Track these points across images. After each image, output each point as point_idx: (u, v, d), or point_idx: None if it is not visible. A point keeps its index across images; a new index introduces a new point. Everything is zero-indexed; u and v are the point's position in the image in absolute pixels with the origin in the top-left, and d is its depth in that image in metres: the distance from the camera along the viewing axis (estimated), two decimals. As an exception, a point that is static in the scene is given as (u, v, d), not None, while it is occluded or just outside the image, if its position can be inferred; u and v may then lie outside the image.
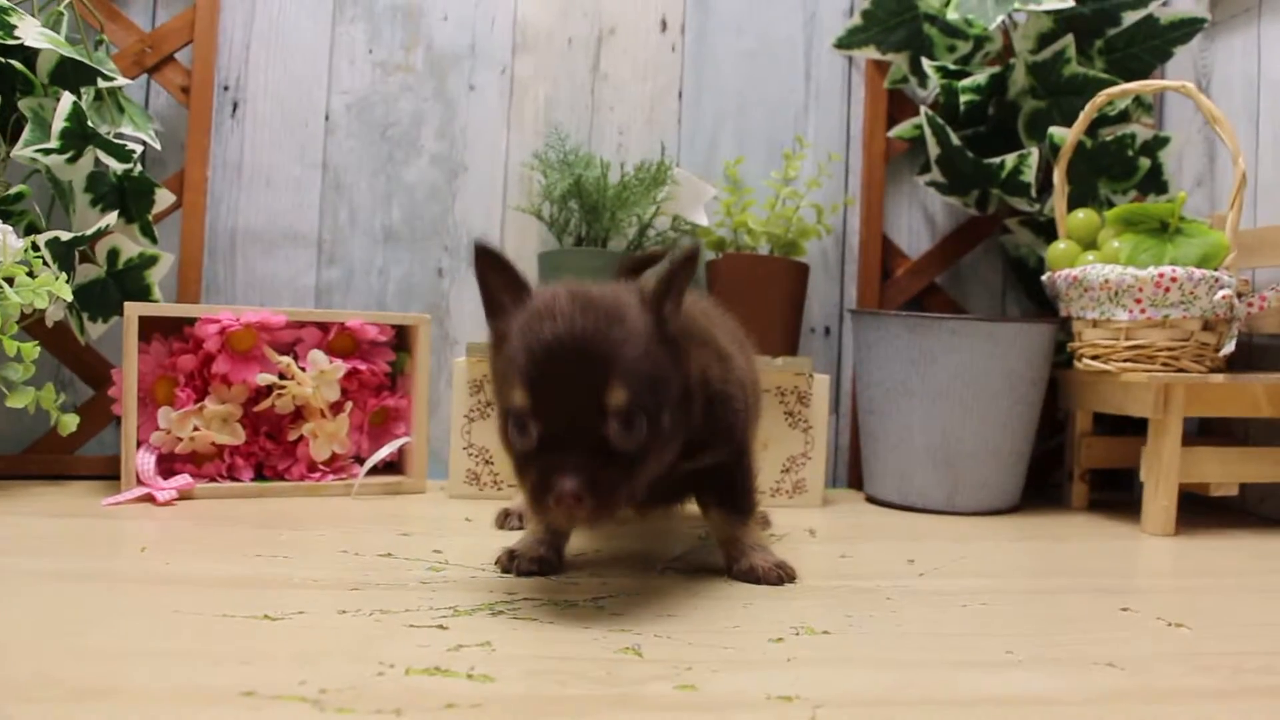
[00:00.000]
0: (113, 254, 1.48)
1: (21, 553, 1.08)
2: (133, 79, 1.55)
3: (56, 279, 1.33)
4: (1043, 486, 1.70)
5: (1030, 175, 1.55)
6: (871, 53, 1.69)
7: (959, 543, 1.32)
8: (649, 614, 0.94)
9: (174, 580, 0.99)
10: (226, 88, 1.63)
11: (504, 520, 1.30)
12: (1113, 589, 1.11)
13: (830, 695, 0.73)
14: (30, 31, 1.37)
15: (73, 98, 1.38)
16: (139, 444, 1.40)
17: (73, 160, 1.42)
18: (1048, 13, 1.54)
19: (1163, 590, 1.13)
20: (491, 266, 0.93)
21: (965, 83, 1.56)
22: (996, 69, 1.59)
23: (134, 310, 1.37)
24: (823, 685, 0.76)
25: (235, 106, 1.63)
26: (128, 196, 1.49)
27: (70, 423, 1.37)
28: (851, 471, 1.72)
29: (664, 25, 1.72)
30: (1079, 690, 0.77)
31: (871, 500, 1.59)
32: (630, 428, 0.87)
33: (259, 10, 1.64)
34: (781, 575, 1.06)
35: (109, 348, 1.54)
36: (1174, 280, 1.38)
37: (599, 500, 0.85)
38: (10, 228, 1.30)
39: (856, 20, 1.69)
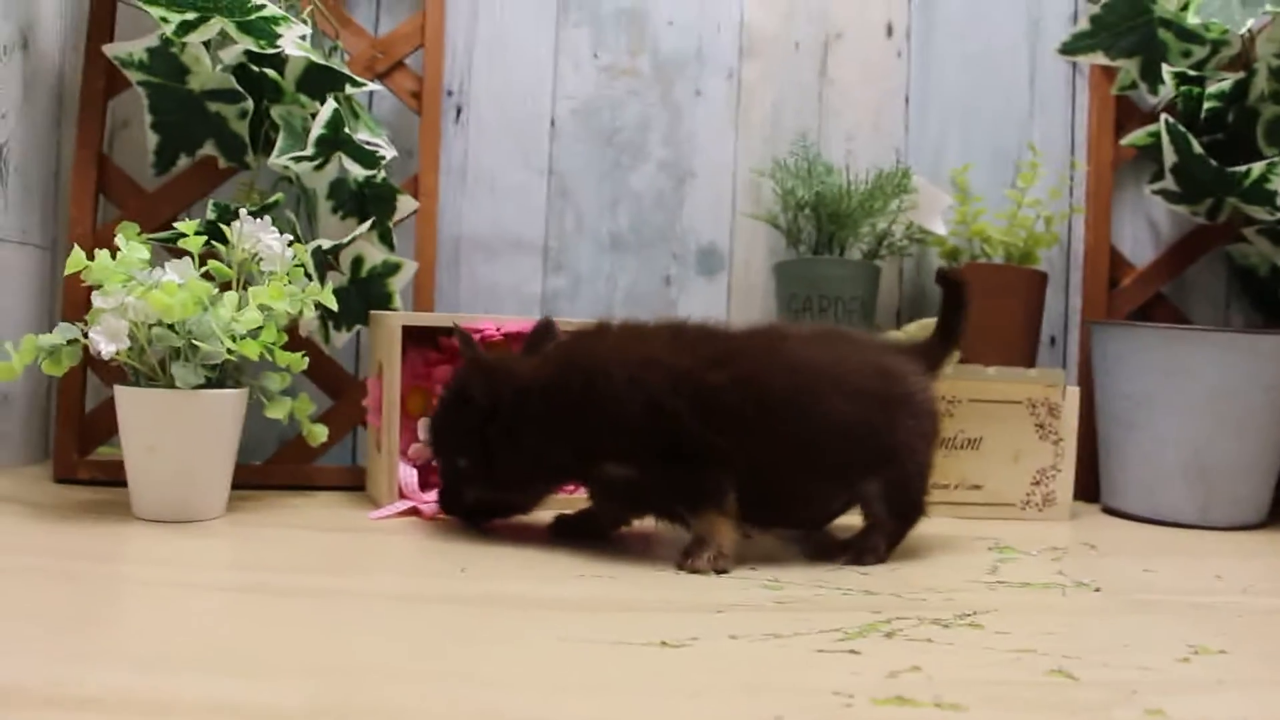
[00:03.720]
0: (357, 262, 1.46)
1: (336, 571, 1.07)
2: (367, 85, 1.53)
3: (322, 289, 1.32)
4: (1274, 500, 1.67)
5: (1278, 183, 1.52)
6: (1099, 58, 1.66)
7: (1248, 559, 1.30)
8: (1030, 631, 0.93)
9: (525, 603, 0.97)
10: (450, 92, 1.61)
11: None
12: None
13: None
14: (290, 40, 1.36)
15: (334, 104, 1.37)
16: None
17: (320, 167, 1.41)
18: (1297, 17, 1.51)
19: None
20: None
21: (1211, 89, 1.54)
22: (1241, 75, 1.56)
23: (399, 319, 1.35)
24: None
25: (459, 111, 1.62)
26: (368, 203, 1.47)
27: (320, 433, 1.35)
28: (1078, 482, 1.69)
29: (889, 30, 1.70)
30: None
31: (1109, 512, 1.57)
32: None
33: (482, 14, 1.62)
34: None
35: (343, 356, 1.53)
36: None
37: None
38: (289, 237, 1.29)
39: (1084, 25, 1.65)
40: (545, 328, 1.26)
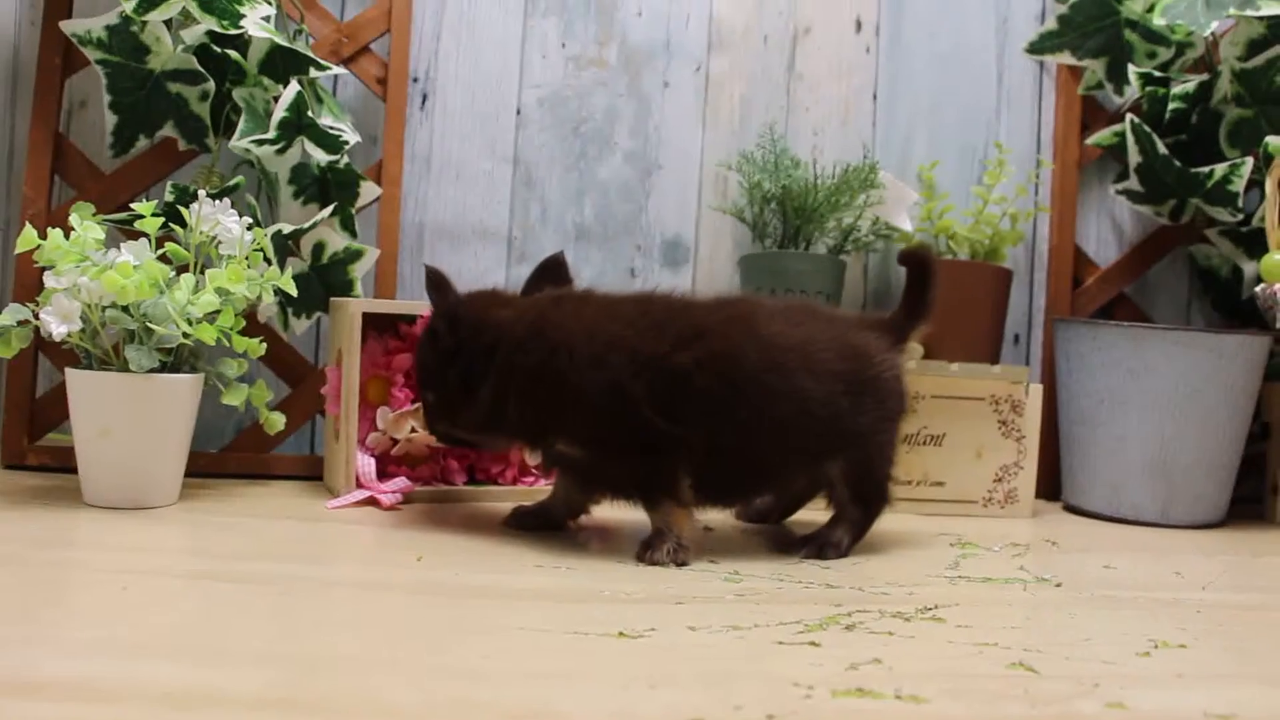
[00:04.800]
0: (318, 248, 1.44)
1: (291, 560, 1.04)
2: (331, 69, 1.52)
3: (282, 274, 1.30)
4: (1233, 499, 1.68)
5: (1240, 185, 1.53)
6: (1066, 58, 1.66)
7: (1208, 557, 1.30)
8: (992, 625, 0.92)
9: (482, 593, 0.95)
10: (416, 79, 1.59)
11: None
12: None
13: (1264, 715, 0.72)
14: (254, 20, 1.34)
15: (297, 87, 1.35)
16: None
17: (282, 151, 1.38)
18: (1261, 18, 1.52)
19: None
20: None
21: (1176, 90, 1.54)
22: (1205, 76, 1.56)
23: (359, 306, 1.33)
24: (1246, 705, 0.74)
25: (425, 98, 1.60)
26: (330, 189, 1.45)
27: (277, 421, 1.33)
28: (1040, 480, 1.69)
29: (859, 25, 1.69)
30: None
31: (1071, 510, 1.57)
32: None
33: (449, 0, 1.60)
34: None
35: (303, 344, 1.51)
36: None
37: None
38: (249, 220, 1.27)
39: (1052, 25, 1.66)
40: (552, 266, 1.24)
